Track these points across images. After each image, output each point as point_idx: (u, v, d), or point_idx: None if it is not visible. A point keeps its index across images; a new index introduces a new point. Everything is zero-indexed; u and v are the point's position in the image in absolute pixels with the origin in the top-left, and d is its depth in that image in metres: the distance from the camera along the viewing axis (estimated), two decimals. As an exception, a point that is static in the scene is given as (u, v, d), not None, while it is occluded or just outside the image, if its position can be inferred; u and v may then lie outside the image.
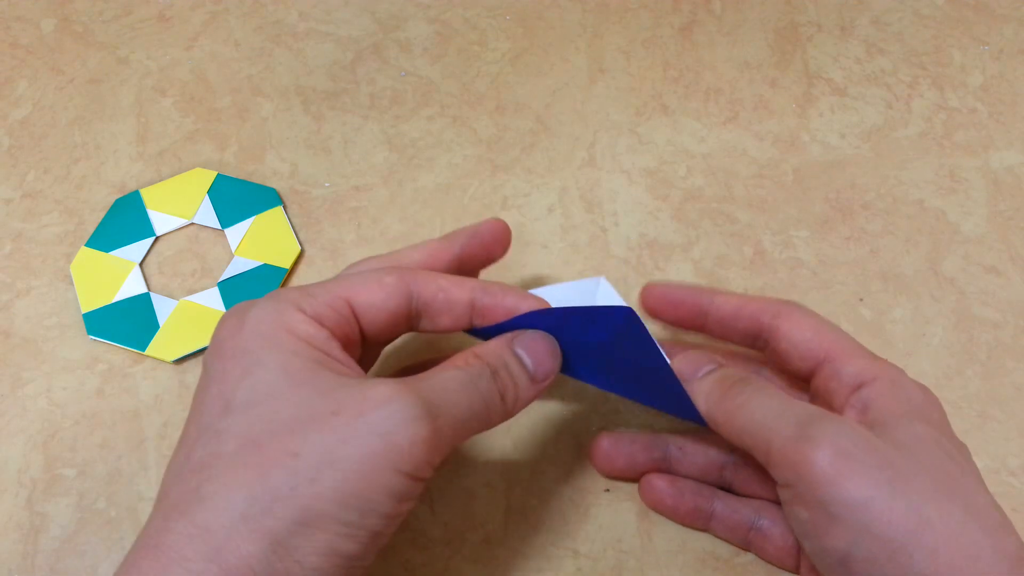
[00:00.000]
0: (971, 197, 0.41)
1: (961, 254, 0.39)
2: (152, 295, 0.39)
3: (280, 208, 0.41)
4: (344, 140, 0.43)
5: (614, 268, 0.39)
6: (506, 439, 0.35)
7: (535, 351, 0.28)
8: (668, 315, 0.33)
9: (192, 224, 0.41)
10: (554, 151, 0.42)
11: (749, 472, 0.32)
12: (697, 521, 0.32)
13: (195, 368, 0.37)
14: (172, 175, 0.42)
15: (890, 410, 0.27)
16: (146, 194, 0.41)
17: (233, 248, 0.40)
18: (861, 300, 0.38)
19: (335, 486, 0.23)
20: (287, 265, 0.39)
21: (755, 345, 0.31)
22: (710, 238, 0.40)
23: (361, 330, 0.28)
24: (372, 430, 0.24)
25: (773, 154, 0.42)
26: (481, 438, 0.35)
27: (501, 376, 0.27)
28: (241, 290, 0.38)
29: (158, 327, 0.38)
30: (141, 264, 0.40)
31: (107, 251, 0.40)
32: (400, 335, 0.29)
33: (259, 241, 0.40)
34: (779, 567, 0.31)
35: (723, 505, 0.32)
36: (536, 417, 0.35)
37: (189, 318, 0.38)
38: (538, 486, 0.34)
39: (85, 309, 0.38)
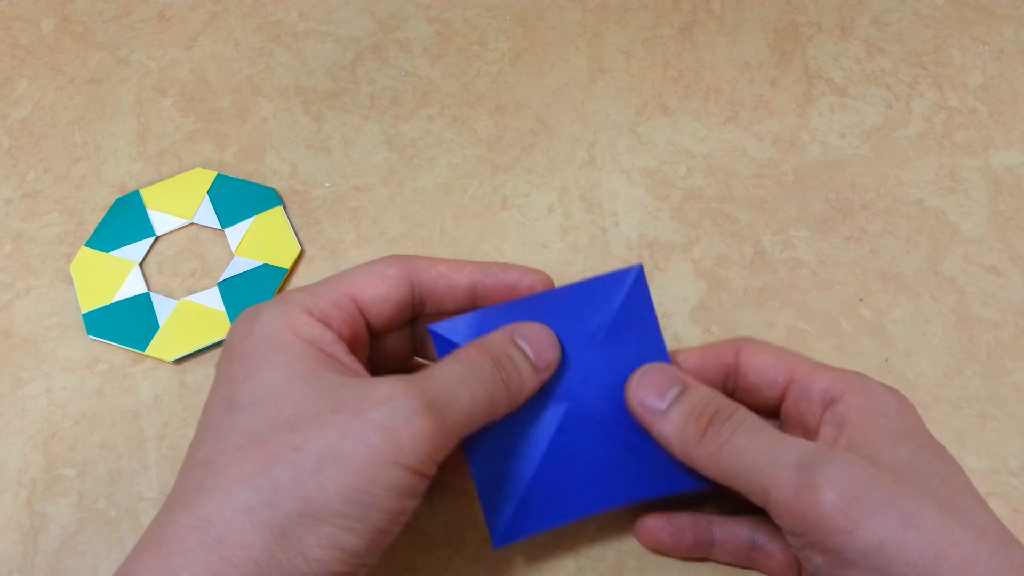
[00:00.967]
0: (971, 197, 0.41)
1: (961, 254, 0.39)
2: (152, 295, 0.39)
3: (280, 208, 0.41)
4: (344, 140, 0.43)
5: (614, 268, 0.39)
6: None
7: (536, 341, 0.28)
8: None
9: (192, 224, 0.41)
10: (554, 151, 0.42)
11: None
12: (698, 553, 0.31)
13: (195, 368, 0.37)
14: (172, 175, 0.42)
15: (870, 427, 0.27)
16: (146, 194, 0.41)
17: (233, 248, 0.40)
18: (861, 300, 0.38)
19: (337, 479, 0.23)
20: (287, 265, 0.39)
21: (724, 390, 0.30)
22: (710, 238, 0.40)
23: (368, 324, 0.28)
24: (373, 426, 0.24)
25: (773, 154, 0.42)
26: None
27: (504, 365, 0.27)
28: (241, 290, 0.38)
29: (158, 327, 0.38)
30: (141, 264, 0.40)
31: (107, 251, 0.40)
32: (406, 323, 0.30)
33: (259, 241, 0.40)
34: None
35: (721, 531, 0.31)
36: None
37: (189, 318, 0.38)
38: (538, 486, 0.34)
39: (85, 309, 0.38)
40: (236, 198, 0.41)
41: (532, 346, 0.28)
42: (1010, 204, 0.40)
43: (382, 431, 0.24)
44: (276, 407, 0.25)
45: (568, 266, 0.39)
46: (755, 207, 0.41)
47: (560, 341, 0.29)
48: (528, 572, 0.32)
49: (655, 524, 0.31)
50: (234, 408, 0.25)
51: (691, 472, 0.29)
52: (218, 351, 0.37)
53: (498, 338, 0.28)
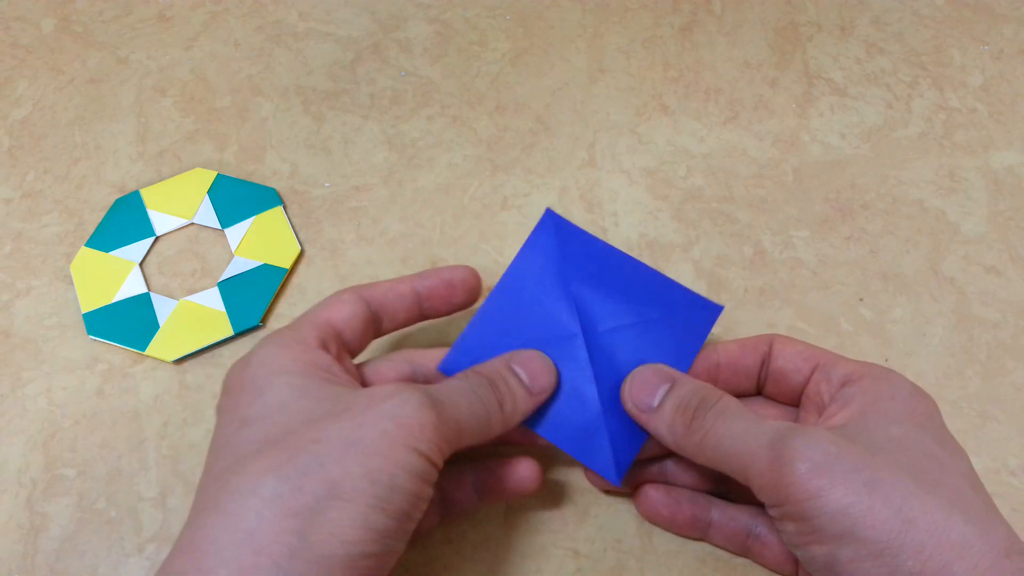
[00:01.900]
0: (971, 197, 0.41)
1: (961, 254, 0.39)
2: (152, 295, 0.39)
3: (280, 208, 0.41)
4: (344, 140, 0.43)
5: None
6: (506, 439, 0.35)
7: (531, 367, 0.30)
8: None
9: (192, 224, 0.41)
10: (554, 151, 0.42)
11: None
12: (695, 530, 0.32)
13: (195, 368, 0.37)
14: (172, 175, 0.42)
15: (871, 407, 0.27)
16: (146, 194, 0.41)
17: (233, 248, 0.40)
18: (861, 300, 0.38)
19: (360, 462, 0.24)
20: (287, 265, 0.39)
21: (757, 378, 0.32)
22: (710, 238, 0.40)
23: (346, 344, 0.31)
24: (386, 415, 0.25)
25: (773, 154, 0.42)
26: (481, 438, 0.35)
27: (499, 387, 0.29)
28: (241, 290, 0.38)
29: (158, 327, 0.38)
30: (141, 264, 0.40)
31: (107, 251, 0.40)
32: (371, 341, 0.32)
33: (259, 241, 0.40)
34: (778, 573, 0.31)
35: (720, 513, 0.32)
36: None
37: (189, 318, 0.38)
38: (538, 486, 0.34)
39: (85, 309, 0.38)
40: (236, 198, 0.41)
41: (527, 372, 0.30)
42: (1010, 204, 0.40)
43: (395, 420, 0.25)
44: (288, 416, 0.26)
45: (568, 266, 0.39)
46: (755, 207, 0.41)
47: (609, 301, 0.32)
48: (528, 572, 0.32)
49: (655, 495, 0.32)
50: (247, 424, 0.26)
51: None
52: (218, 351, 0.37)
53: (495, 364, 0.30)
